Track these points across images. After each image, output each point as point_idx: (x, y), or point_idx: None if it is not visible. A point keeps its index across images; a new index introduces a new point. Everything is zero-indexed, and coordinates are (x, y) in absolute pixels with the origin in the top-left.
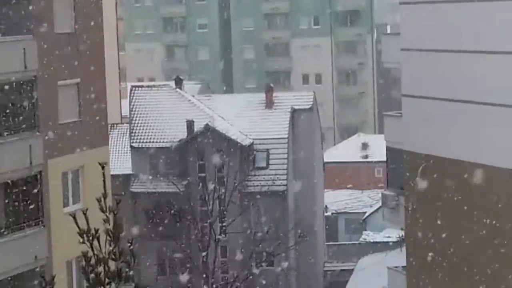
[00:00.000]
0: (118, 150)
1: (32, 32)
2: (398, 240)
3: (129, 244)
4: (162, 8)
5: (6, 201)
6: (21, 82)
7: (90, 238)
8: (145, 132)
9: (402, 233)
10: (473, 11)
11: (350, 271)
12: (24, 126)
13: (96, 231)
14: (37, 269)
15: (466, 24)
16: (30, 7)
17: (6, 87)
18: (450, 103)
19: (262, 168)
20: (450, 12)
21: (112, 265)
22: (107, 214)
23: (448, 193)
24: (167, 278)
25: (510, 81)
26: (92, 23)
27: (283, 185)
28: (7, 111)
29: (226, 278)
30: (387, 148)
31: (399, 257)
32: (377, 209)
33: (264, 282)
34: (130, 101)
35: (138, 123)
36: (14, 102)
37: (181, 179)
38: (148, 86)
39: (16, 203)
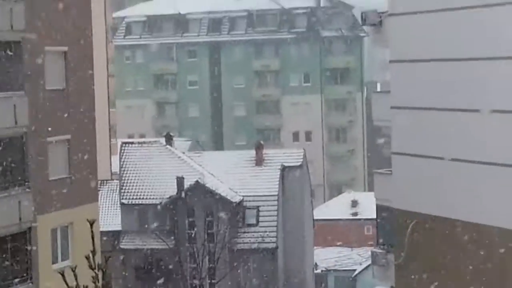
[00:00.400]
0: (108, 207)
1: (23, 88)
2: None
3: None
4: (153, 65)
5: None
6: (11, 138)
7: None
8: (135, 189)
9: None
10: (464, 70)
11: None
12: (14, 182)
13: None
14: None
15: (457, 82)
16: (22, 64)
17: None
18: (440, 161)
19: (252, 225)
20: (440, 70)
21: None
22: (96, 271)
23: (438, 251)
24: None
25: (501, 140)
26: (83, 80)
27: (273, 242)
28: None
29: None
30: (377, 206)
31: None
32: (367, 266)
33: None
34: (120, 158)
35: (128, 179)
36: (4, 158)
37: (170, 236)
38: (138, 143)
39: (5, 259)
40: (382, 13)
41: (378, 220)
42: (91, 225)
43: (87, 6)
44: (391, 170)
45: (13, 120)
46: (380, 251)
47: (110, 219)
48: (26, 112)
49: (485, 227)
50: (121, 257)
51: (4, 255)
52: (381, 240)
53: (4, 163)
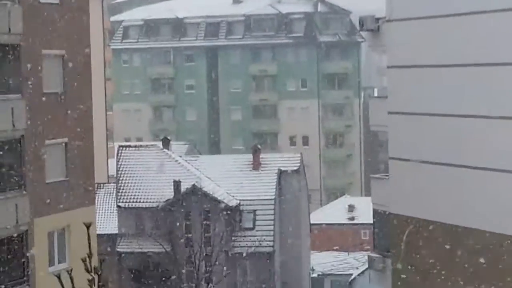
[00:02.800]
0: (105, 210)
1: (20, 91)
2: None
3: None
4: (150, 69)
5: None
6: (9, 141)
7: None
8: (132, 192)
9: None
10: (461, 75)
11: None
12: (10, 185)
13: None
14: None
15: (452, 88)
16: (19, 67)
17: None
18: (437, 167)
19: (249, 229)
20: (437, 76)
21: None
22: (92, 274)
23: (435, 256)
24: None
25: (497, 145)
26: (81, 83)
27: (270, 246)
28: None
29: None
30: (374, 211)
31: None
32: (364, 271)
33: None
34: (117, 161)
35: (125, 182)
36: (1, 160)
37: (167, 239)
38: (135, 146)
39: (1, 262)
40: (380, 18)
41: (375, 225)
42: (88, 228)
43: (85, 10)
44: (388, 175)
45: (11, 123)
46: (377, 255)
47: (106, 222)
48: (23, 115)
49: (482, 232)
50: (118, 260)
51: (0, 258)
52: (377, 245)
53: (1, 166)
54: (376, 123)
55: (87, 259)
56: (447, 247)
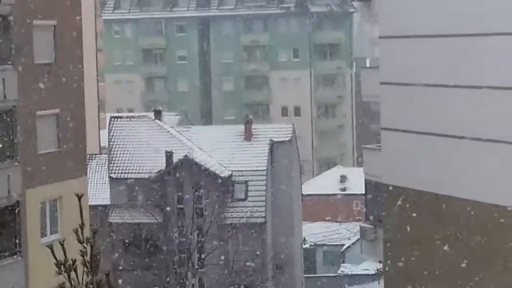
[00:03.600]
0: (97, 181)
1: (11, 62)
2: (376, 273)
3: (106, 275)
4: (142, 40)
5: None
6: (0, 112)
7: (68, 269)
8: (124, 163)
9: (380, 265)
10: (451, 46)
11: None
12: (2, 155)
13: (74, 262)
14: None
15: (444, 58)
16: (10, 38)
17: None
18: (429, 137)
19: (241, 200)
20: (430, 46)
21: None
22: (85, 245)
23: (426, 226)
24: None
25: (488, 115)
26: (72, 54)
27: (262, 217)
28: None
29: None
30: (366, 181)
31: None
32: (355, 241)
33: None
34: (109, 132)
35: (117, 153)
36: None
37: (159, 210)
38: (127, 117)
39: None
40: None
41: (367, 196)
42: (79, 199)
43: None
44: (380, 146)
45: (2, 94)
46: (369, 226)
47: (99, 193)
48: (15, 86)
49: (474, 203)
50: (110, 231)
51: None
52: (370, 216)
53: None
54: (368, 93)
55: (79, 230)
56: (439, 217)
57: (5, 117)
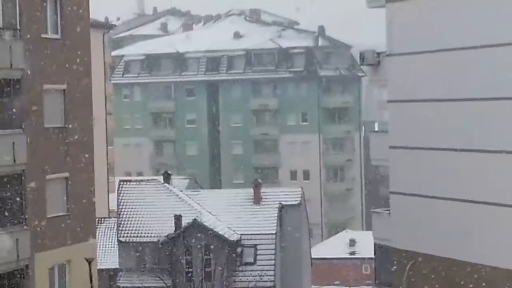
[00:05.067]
0: (106, 244)
1: (21, 126)
2: None
3: None
4: (151, 103)
5: None
6: (10, 175)
7: None
8: (133, 227)
9: None
10: (462, 110)
11: None
12: (11, 219)
13: None
14: None
15: (453, 122)
16: (21, 102)
17: None
18: (438, 201)
19: (250, 264)
20: (438, 110)
21: None
22: None
23: None
24: None
25: (497, 179)
26: (82, 118)
27: (271, 281)
28: None
29: None
30: (375, 245)
31: None
32: None
33: None
34: (118, 195)
35: (126, 217)
36: (2, 195)
37: (168, 274)
38: (136, 181)
39: None
40: (380, 53)
41: (376, 259)
42: (89, 263)
43: (86, 45)
44: (389, 210)
45: (12, 158)
46: None
47: (107, 257)
48: (24, 150)
49: (483, 267)
50: None
51: None
52: (379, 279)
53: (2, 201)
54: (377, 157)
55: None
56: (449, 281)
57: (14, 181)
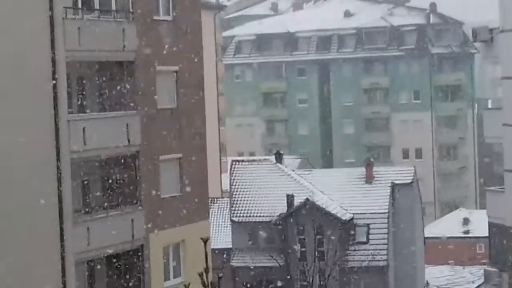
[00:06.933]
0: (219, 224)
1: (135, 107)
2: None
3: None
4: (262, 84)
5: (109, 273)
6: (124, 156)
7: None
8: (245, 207)
9: None
10: None
11: None
12: (126, 200)
13: None
14: None
15: None
16: (134, 83)
17: (110, 161)
18: None
19: (362, 243)
20: None
21: None
22: None
23: None
24: None
25: None
26: (194, 99)
27: (384, 260)
28: (111, 185)
29: None
30: (489, 224)
31: None
32: (479, 285)
33: None
34: (231, 176)
35: (238, 197)
36: (117, 176)
37: (281, 254)
38: (248, 161)
39: (118, 276)
40: (493, 29)
41: (491, 238)
42: (205, 243)
43: (198, 26)
44: (503, 188)
45: (126, 139)
46: (493, 269)
47: (220, 236)
48: (138, 131)
49: None
50: (232, 275)
51: (117, 272)
52: (494, 259)
53: (117, 182)
54: (490, 135)
55: (204, 274)
56: None
57: (129, 162)
